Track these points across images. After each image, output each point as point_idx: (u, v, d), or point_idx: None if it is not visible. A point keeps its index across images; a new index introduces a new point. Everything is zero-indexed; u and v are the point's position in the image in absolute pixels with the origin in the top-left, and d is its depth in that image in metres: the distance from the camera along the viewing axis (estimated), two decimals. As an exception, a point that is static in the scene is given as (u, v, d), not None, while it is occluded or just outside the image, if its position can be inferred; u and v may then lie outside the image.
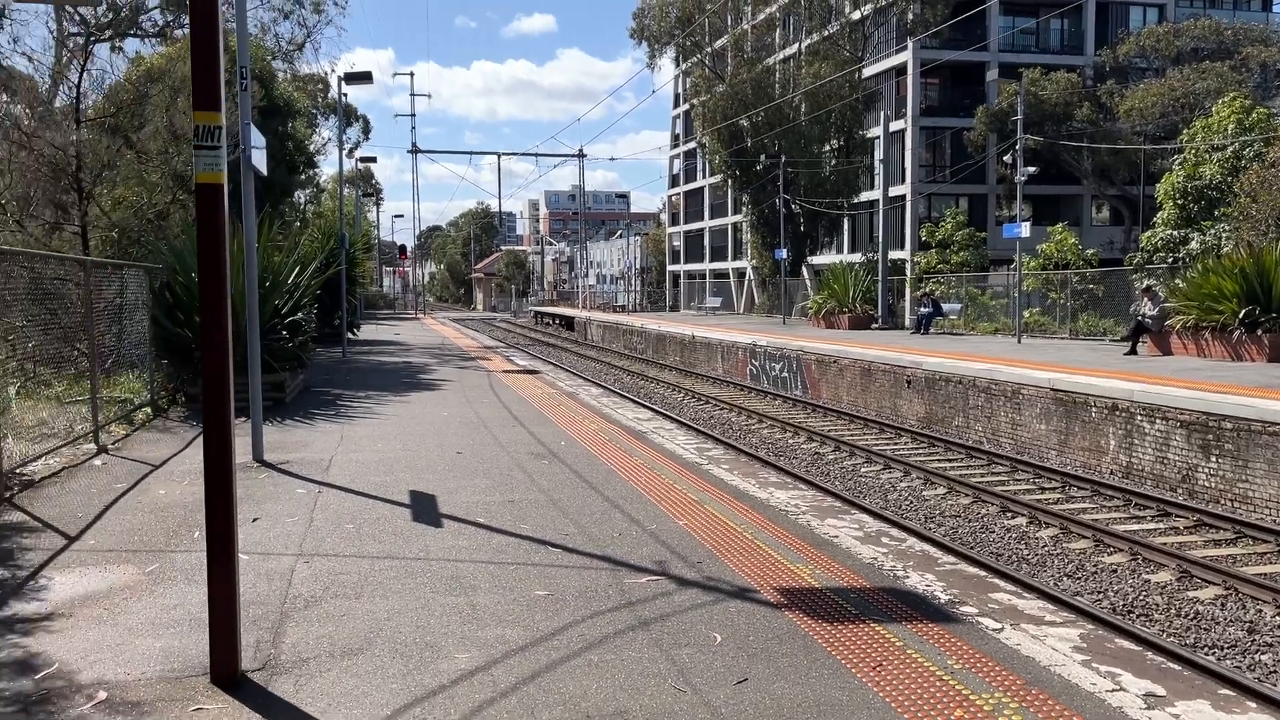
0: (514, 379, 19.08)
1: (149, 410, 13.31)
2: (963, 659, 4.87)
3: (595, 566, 6.38)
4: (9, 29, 19.62)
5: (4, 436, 8.64)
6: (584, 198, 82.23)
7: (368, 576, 6.16)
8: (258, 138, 10.50)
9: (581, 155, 66.32)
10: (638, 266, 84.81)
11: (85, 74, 19.19)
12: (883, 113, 37.97)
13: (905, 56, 46.39)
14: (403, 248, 78.20)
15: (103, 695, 4.42)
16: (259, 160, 10.57)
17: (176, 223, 18.90)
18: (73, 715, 4.22)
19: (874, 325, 33.34)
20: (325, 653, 4.91)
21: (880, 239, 36.55)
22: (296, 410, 14.16)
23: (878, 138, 41.25)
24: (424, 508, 8.05)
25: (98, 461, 10.09)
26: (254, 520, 7.54)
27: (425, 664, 4.76)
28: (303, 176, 32.27)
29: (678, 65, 57.42)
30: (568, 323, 56.88)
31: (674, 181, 77.91)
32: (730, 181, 52.17)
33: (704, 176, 67.43)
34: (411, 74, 66.70)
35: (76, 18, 21.55)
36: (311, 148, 33.45)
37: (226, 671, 4.58)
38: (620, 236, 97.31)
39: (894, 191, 42.64)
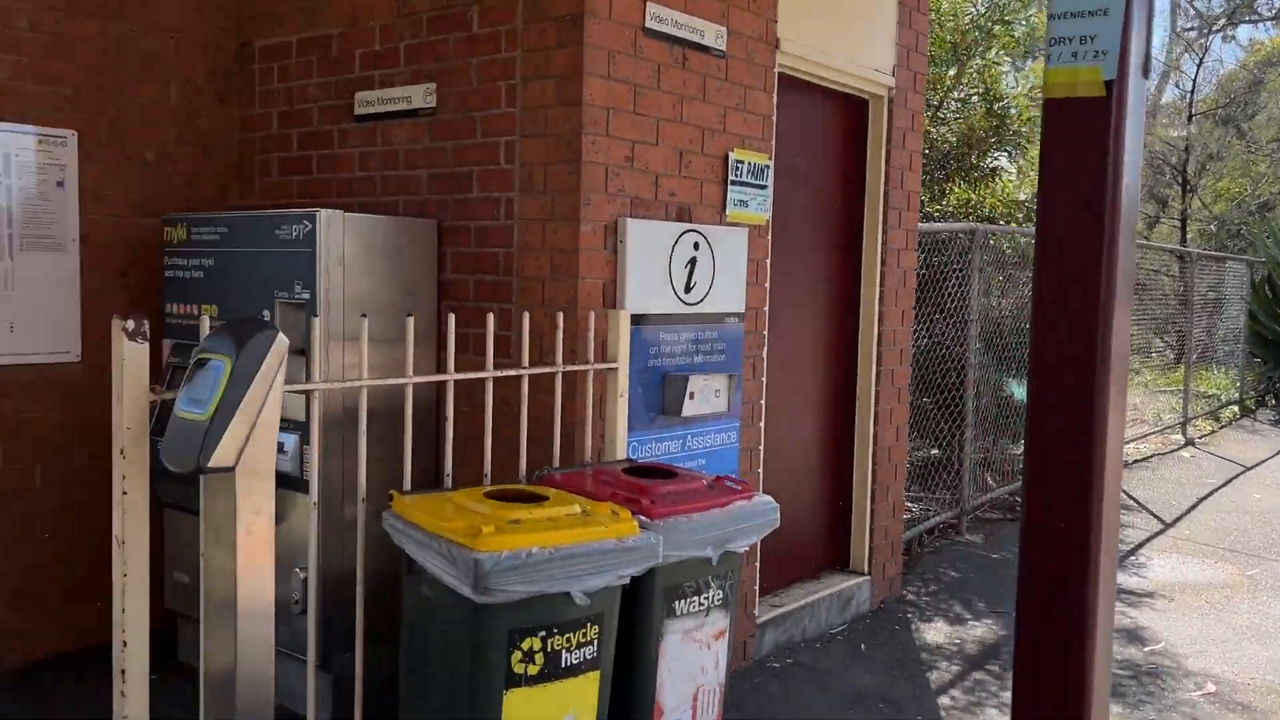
0: None
1: (1235, 409, 12.83)
2: None
3: None
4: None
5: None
6: None
7: None
8: None
9: None
10: None
11: (1200, 67, 19.22)
12: None
13: None
14: None
15: (1211, 687, 4.37)
16: None
17: (1278, 215, 17.73)
18: (1182, 698, 4.27)
19: None
20: None
21: None
22: None
23: None
24: None
25: (1185, 454, 10.10)
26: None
27: None
28: None
29: None
30: None
31: None
32: None
33: None
34: None
35: (1191, 11, 21.69)
36: None
37: (1351, 707, 4.12)
38: None
39: None
